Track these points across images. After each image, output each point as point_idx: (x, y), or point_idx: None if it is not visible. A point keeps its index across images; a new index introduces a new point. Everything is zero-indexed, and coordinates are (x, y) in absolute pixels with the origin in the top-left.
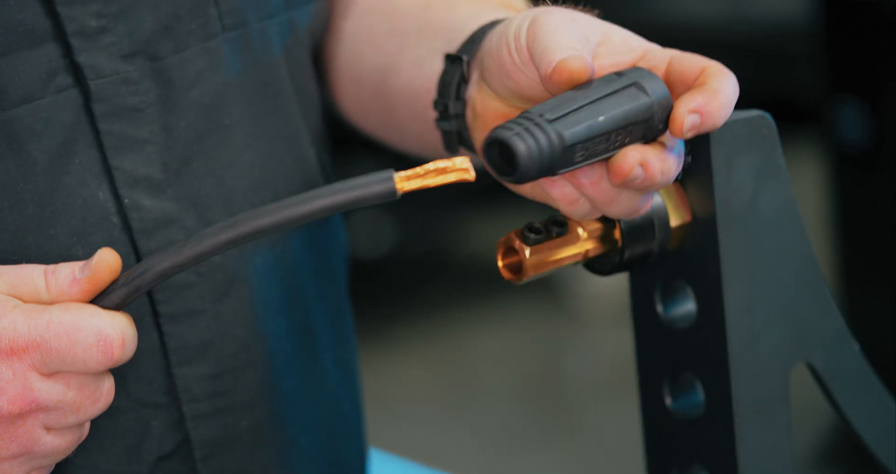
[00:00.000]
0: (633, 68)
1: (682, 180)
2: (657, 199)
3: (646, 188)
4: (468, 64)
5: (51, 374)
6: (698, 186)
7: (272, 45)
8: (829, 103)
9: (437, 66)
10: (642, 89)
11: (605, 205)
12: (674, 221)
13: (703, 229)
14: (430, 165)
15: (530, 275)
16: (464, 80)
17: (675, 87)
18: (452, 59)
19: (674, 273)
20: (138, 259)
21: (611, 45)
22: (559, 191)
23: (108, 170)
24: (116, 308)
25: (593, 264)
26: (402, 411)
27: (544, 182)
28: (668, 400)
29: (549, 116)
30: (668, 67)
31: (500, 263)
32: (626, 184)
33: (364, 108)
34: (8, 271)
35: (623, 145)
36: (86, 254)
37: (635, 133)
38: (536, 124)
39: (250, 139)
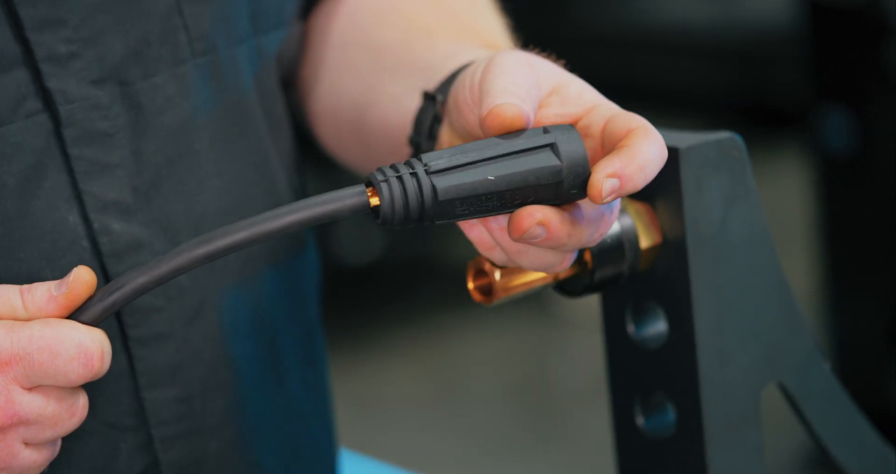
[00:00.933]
0: (564, 126)
1: (653, 201)
2: (627, 221)
3: (555, 248)
4: (442, 103)
5: (32, 388)
6: (668, 208)
7: (241, 71)
8: (815, 109)
9: (413, 103)
10: (556, 152)
11: (514, 255)
12: (644, 243)
13: (673, 251)
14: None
15: (500, 297)
16: (437, 119)
17: (607, 147)
18: (428, 98)
19: (645, 294)
20: (108, 283)
21: (562, 96)
22: (475, 235)
23: (77, 195)
24: (93, 323)
25: (564, 286)
26: (389, 416)
27: (461, 223)
28: (640, 420)
29: (434, 167)
30: (605, 126)
31: (470, 285)
32: (526, 240)
33: (341, 140)
34: None
35: (525, 203)
36: (55, 278)
37: (542, 194)
38: (414, 173)
39: (220, 164)
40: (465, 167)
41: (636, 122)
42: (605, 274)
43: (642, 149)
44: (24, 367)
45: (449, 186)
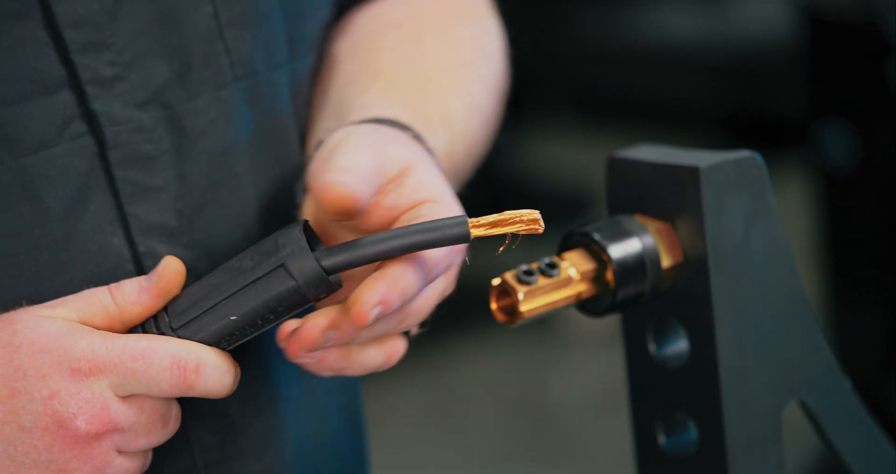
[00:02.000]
0: (291, 235)
1: (674, 220)
2: (648, 240)
3: (354, 341)
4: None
5: (126, 397)
6: (689, 227)
7: (280, 96)
8: (814, 125)
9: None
10: (289, 273)
11: (340, 371)
12: (665, 262)
13: (694, 269)
14: (503, 214)
15: (524, 317)
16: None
17: None
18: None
19: (666, 313)
20: None
21: (401, 186)
22: (308, 367)
23: (122, 217)
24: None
25: (586, 305)
26: (391, 435)
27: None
28: (662, 439)
29: (176, 324)
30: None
31: (493, 306)
32: (322, 346)
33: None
34: (73, 298)
35: (280, 319)
36: None
37: (293, 306)
38: (162, 334)
39: (260, 187)
40: (207, 313)
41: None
42: (627, 293)
43: (404, 275)
44: (118, 375)
45: (197, 340)
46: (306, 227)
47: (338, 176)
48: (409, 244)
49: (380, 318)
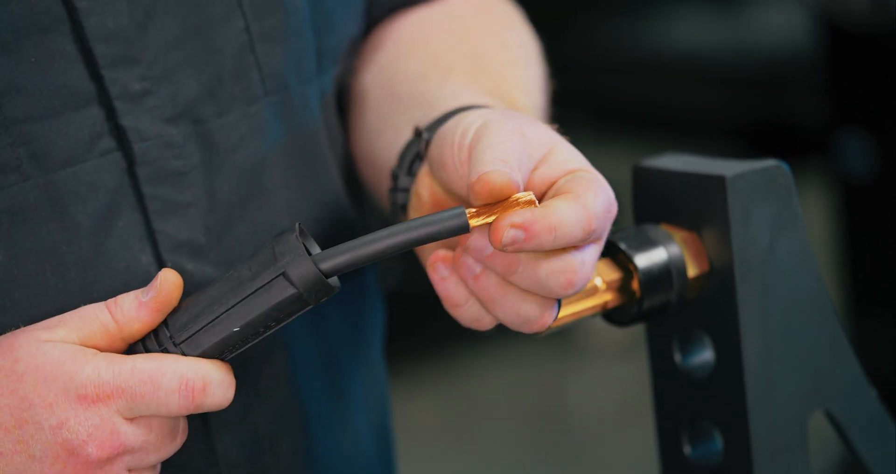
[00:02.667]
0: (288, 242)
1: (700, 230)
2: (675, 250)
3: (541, 248)
4: (427, 142)
5: (134, 418)
6: (715, 236)
7: (311, 109)
8: (834, 134)
9: (407, 136)
10: (290, 281)
11: (489, 304)
12: (691, 271)
13: (720, 279)
14: (496, 202)
15: (551, 327)
16: (419, 157)
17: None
18: (417, 133)
19: (691, 322)
20: None
21: (550, 161)
22: (444, 292)
23: (151, 234)
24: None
25: (612, 315)
26: (409, 445)
27: (431, 278)
28: (687, 449)
29: (178, 338)
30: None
31: None
32: (509, 248)
33: (363, 164)
34: (71, 317)
35: (282, 324)
36: None
37: (292, 313)
38: (164, 350)
39: (290, 202)
40: (209, 326)
41: (578, 186)
42: (653, 302)
43: (560, 211)
44: (126, 400)
45: (200, 352)
46: (301, 231)
47: (494, 165)
48: (407, 240)
49: (525, 246)
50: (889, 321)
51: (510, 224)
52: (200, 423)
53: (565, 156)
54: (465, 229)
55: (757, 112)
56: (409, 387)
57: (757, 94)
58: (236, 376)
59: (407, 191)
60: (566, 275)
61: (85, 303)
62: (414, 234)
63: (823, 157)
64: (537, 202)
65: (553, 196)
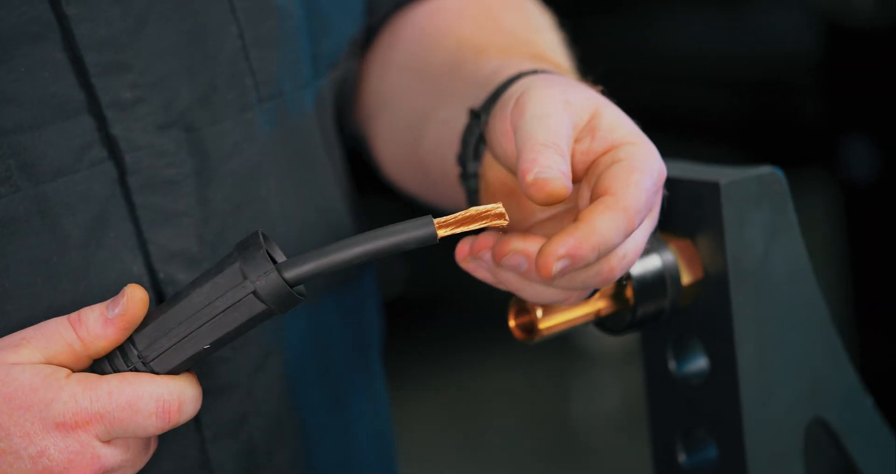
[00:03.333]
0: (256, 259)
1: (694, 237)
2: (669, 257)
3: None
4: (486, 122)
5: (111, 440)
6: (710, 243)
7: (306, 115)
8: (836, 139)
9: (461, 124)
10: (260, 298)
11: (514, 290)
12: (686, 279)
13: (714, 286)
14: (466, 212)
15: (543, 335)
16: (482, 139)
17: (593, 192)
18: (473, 115)
19: (686, 330)
20: None
21: (596, 129)
22: (480, 275)
23: (142, 244)
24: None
25: (605, 323)
26: (410, 451)
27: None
28: (682, 457)
29: (148, 355)
30: (601, 173)
31: (511, 323)
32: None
33: (400, 167)
34: (34, 335)
35: (245, 333)
36: None
37: (258, 324)
38: (133, 368)
39: (285, 210)
40: (179, 344)
41: (616, 182)
42: (647, 310)
43: (601, 226)
44: (105, 425)
45: (170, 369)
46: (265, 238)
47: (547, 160)
48: (374, 249)
49: (570, 270)
50: (892, 328)
51: (557, 256)
52: (195, 433)
53: (609, 122)
54: (433, 240)
55: (758, 115)
56: (410, 392)
57: (758, 97)
58: (232, 385)
59: (476, 176)
60: (603, 275)
61: None
62: (379, 244)
63: (825, 161)
64: (507, 216)
65: (595, 184)
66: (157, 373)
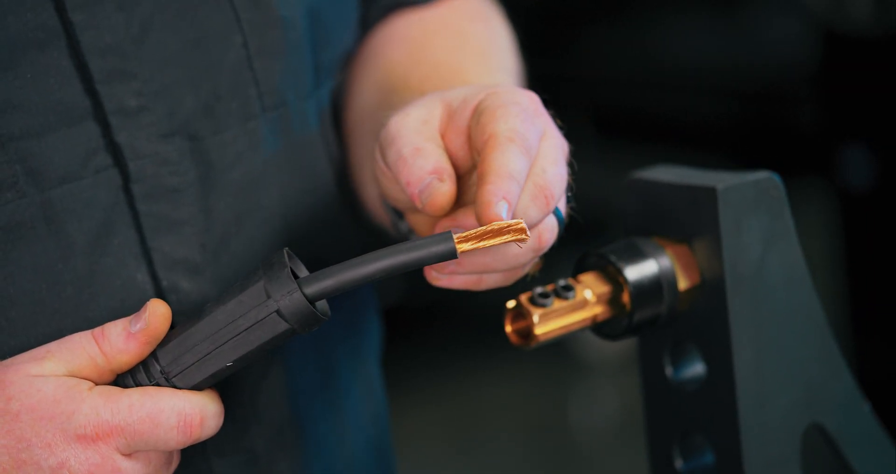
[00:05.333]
0: (280, 279)
1: (691, 242)
2: (665, 262)
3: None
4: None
5: (132, 453)
6: (707, 248)
7: (308, 125)
8: (834, 146)
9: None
10: (283, 318)
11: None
12: (682, 284)
13: (711, 291)
14: (488, 227)
15: (540, 340)
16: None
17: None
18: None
19: (683, 335)
20: None
21: (463, 108)
22: (459, 282)
23: (146, 252)
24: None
25: (602, 328)
26: (409, 460)
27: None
28: (679, 463)
29: (170, 371)
30: (474, 111)
31: (508, 329)
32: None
33: (367, 190)
34: (58, 348)
35: (268, 352)
36: None
37: (281, 342)
38: (156, 383)
39: (287, 219)
40: (202, 361)
41: (491, 125)
42: (643, 316)
43: (503, 163)
44: (125, 437)
45: (193, 385)
46: (289, 255)
47: (423, 189)
48: (393, 265)
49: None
50: (890, 334)
51: (495, 202)
52: (200, 444)
53: (465, 94)
54: (453, 255)
55: (756, 123)
56: (409, 401)
57: (756, 105)
58: (234, 395)
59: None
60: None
61: (80, 323)
62: (400, 259)
63: (822, 169)
64: (528, 231)
65: (479, 134)
66: (179, 389)
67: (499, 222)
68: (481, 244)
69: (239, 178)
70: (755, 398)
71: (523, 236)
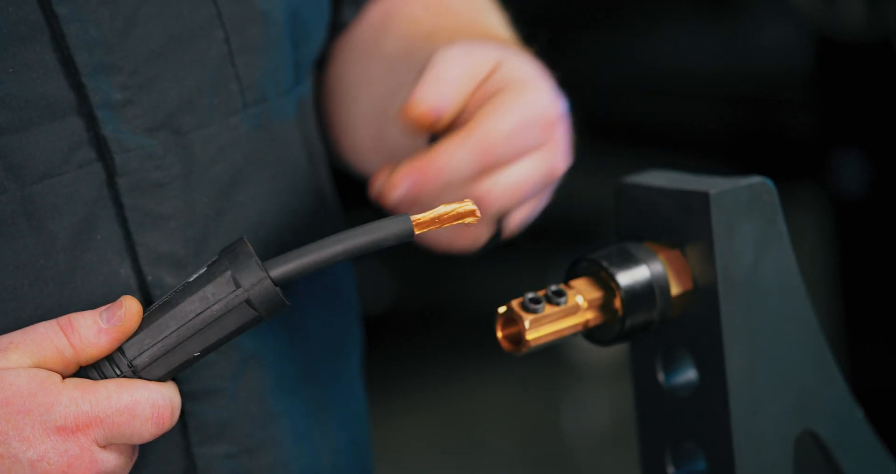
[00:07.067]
0: (249, 267)
1: (683, 247)
2: (657, 267)
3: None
4: None
5: (107, 445)
6: (699, 253)
7: (288, 122)
8: (827, 152)
9: None
10: (252, 306)
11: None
12: (675, 290)
13: (704, 297)
14: (441, 208)
15: (530, 346)
16: None
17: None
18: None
19: (675, 341)
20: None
21: (494, 77)
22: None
23: (130, 247)
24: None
25: (594, 334)
26: (402, 464)
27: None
28: (671, 470)
29: (138, 363)
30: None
31: (499, 334)
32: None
33: (367, 153)
34: (22, 339)
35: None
36: None
37: (247, 329)
38: (122, 375)
39: (266, 216)
40: (169, 353)
41: (482, 112)
42: (635, 321)
43: (445, 153)
44: (104, 429)
45: (159, 376)
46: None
47: (421, 92)
48: (354, 246)
49: (416, 192)
50: (883, 341)
51: (403, 176)
52: (181, 437)
53: (508, 69)
54: (410, 235)
55: (749, 129)
56: (401, 405)
57: (749, 110)
58: (215, 389)
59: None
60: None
61: None
62: (359, 241)
63: (816, 174)
64: (479, 212)
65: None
66: (146, 380)
67: (448, 205)
68: (436, 225)
69: (221, 173)
70: (748, 404)
71: (473, 218)
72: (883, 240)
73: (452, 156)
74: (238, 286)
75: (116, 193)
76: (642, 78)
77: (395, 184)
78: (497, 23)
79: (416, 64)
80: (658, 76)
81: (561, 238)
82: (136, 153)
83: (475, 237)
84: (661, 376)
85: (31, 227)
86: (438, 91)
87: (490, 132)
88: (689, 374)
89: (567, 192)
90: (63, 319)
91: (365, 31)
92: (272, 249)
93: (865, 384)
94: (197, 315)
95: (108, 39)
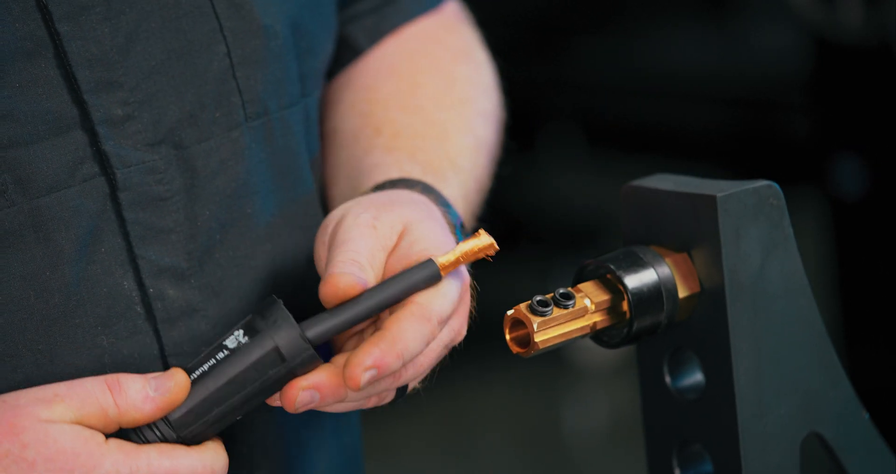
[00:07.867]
0: (295, 342)
1: (690, 250)
2: (665, 271)
3: (338, 406)
4: None
5: None
6: (706, 257)
7: (293, 134)
8: (826, 155)
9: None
10: (294, 374)
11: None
12: (682, 292)
13: (711, 300)
14: (461, 247)
15: (539, 348)
16: None
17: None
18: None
19: (682, 344)
20: (161, 348)
21: (401, 248)
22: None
23: (133, 260)
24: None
25: (601, 336)
26: (402, 464)
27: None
28: (677, 472)
29: (181, 432)
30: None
31: (507, 336)
32: (302, 409)
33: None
34: (68, 392)
35: (271, 391)
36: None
37: (280, 385)
38: (164, 439)
39: (271, 228)
40: (215, 422)
41: (422, 295)
42: (643, 324)
43: (404, 334)
44: None
45: (202, 440)
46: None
47: (343, 267)
48: (385, 298)
49: (377, 378)
50: (883, 342)
51: (365, 368)
52: None
53: (414, 239)
54: (438, 278)
55: (748, 132)
56: (400, 408)
57: (748, 114)
58: None
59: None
60: (398, 380)
61: (68, 330)
62: (391, 293)
63: (815, 178)
64: (496, 243)
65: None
66: (187, 444)
67: (467, 243)
68: (460, 263)
69: (223, 187)
70: (754, 407)
71: (493, 249)
72: (881, 242)
73: (412, 336)
74: (284, 360)
75: (119, 207)
76: (642, 81)
77: (357, 372)
78: (461, 125)
79: (353, 155)
80: (657, 79)
81: (561, 240)
82: (137, 168)
83: (381, 399)
84: (668, 379)
85: (38, 240)
86: (355, 269)
87: (438, 308)
88: (696, 377)
89: (567, 195)
90: (111, 378)
91: (354, 84)
92: (279, 262)
93: (863, 384)
94: (241, 390)
95: (109, 56)
